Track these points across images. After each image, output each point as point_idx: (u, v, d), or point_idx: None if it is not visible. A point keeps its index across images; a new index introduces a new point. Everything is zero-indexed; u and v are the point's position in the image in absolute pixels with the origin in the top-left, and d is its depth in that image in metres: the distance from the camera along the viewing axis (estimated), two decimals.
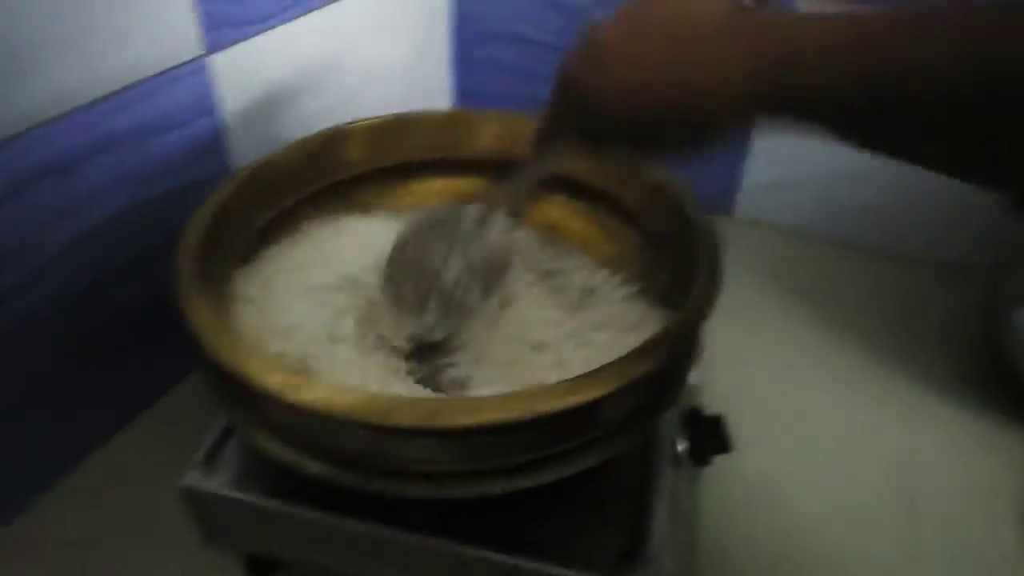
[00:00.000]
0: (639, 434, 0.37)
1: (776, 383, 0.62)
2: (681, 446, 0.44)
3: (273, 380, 0.31)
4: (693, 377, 0.53)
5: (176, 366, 0.59)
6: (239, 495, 0.39)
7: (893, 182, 0.75)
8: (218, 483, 0.39)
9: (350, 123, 0.51)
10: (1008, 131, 0.25)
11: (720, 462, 0.48)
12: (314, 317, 0.42)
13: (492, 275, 0.43)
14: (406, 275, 0.43)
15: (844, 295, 0.72)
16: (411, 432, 0.31)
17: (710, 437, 0.46)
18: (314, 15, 0.63)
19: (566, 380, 0.32)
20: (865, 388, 0.62)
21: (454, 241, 0.42)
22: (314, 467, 0.34)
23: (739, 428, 0.45)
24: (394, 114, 0.52)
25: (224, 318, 0.36)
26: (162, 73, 0.50)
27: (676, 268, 0.45)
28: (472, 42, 0.89)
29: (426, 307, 0.42)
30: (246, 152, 0.59)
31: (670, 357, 0.35)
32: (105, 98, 0.47)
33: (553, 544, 0.37)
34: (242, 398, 0.35)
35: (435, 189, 0.53)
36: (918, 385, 0.62)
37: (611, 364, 0.33)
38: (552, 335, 0.42)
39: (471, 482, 0.34)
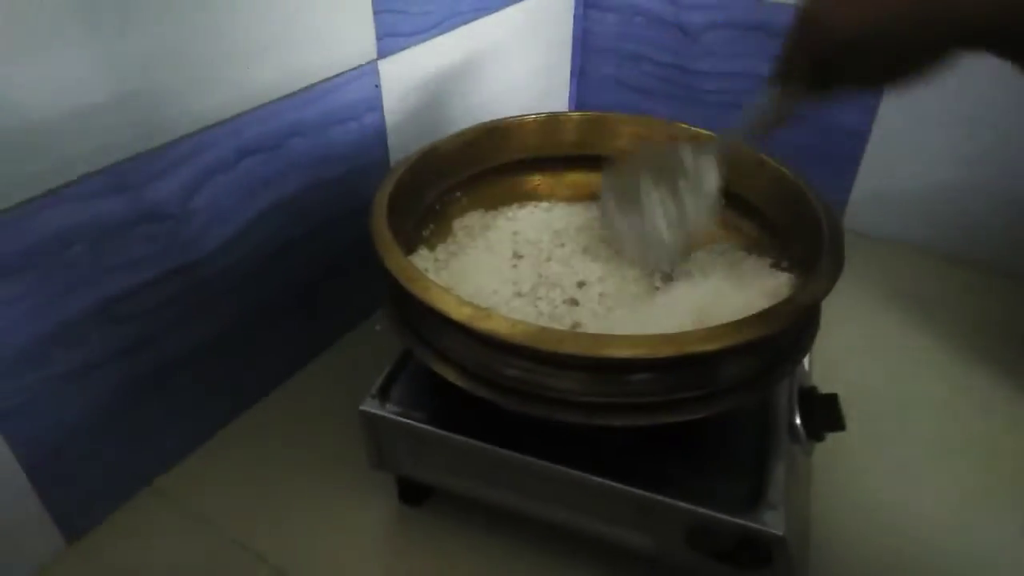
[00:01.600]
0: (762, 390, 0.42)
1: (885, 380, 0.65)
2: (798, 419, 0.48)
3: (462, 312, 0.38)
4: (810, 362, 0.57)
5: (338, 323, 0.69)
6: (408, 420, 0.46)
7: (995, 196, 0.76)
8: (391, 410, 0.46)
9: (506, 118, 0.58)
10: None
11: (833, 440, 0.52)
12: (486, 278, 0.48)
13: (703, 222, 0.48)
14: (628, 211, 0.48)
15: (949, 305, 0.74)
16: (575, 359, 0.37)
17: (824, 413, 0.49)
18: (460, 30, 0.71)
19: (707, 327, 0.37)
20: (968, 392, 0.64)
21: (675, 191, 0.46)
22: (484, 392, 0.40)
23: (850, 415, 0.48)
24: (547, 113, 0.59)
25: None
26: (344, 73, 0.59)
27: (797, 254, 0.50)
28: (591, 58, 0.96)
29: (651, 253, 0.49)
30: (401, 145, 0.67)
31: (795, 322, 0.39)
32: (300, 91, 0.56)
33: (683, 483, 0.42)
34: (431, 330, 0.42)
35: (578, 181, 0.60)
36: (1018, 385, 0.63)
37: (750, 319, 0.38)
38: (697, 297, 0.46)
39: (616, 413, 0.39)
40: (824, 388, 0.50)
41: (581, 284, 0.50)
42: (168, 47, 0.46)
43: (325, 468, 0.56)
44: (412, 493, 0.53)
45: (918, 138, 0.78)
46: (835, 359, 0.62)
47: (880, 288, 0.77)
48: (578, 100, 0.99)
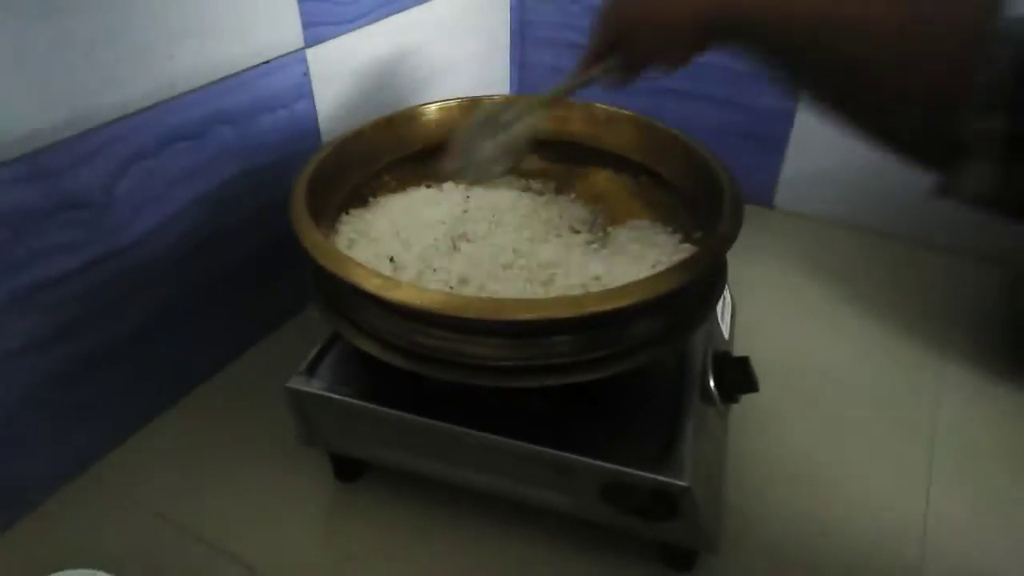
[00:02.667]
0: (666, 348, 0.44)
1: (807, 350, 0.68)
2: (711, 380, 0.51)
3: (372, 283, 0.39)
4: (730, 331, 0.60)
5: (281, 308, 0.70)
6: (334, 395, 0.47)
7: (915, 173, 0.80)
8: (317, 386, 0.48)
9: (426, 103, 0.60)
10: (924, 95, 0.31)
11: (751, 405, 0.54)
12: (400, 251, 0.50)
13: (510, 158, 0.59)
14: (462, 142, 0.58)
15: (875, 278, 0.77)
16: (481, 323, 0.39)
17: (737, 375, 0.52)
18: (392, 18, 0.72)
19: (612, 288, 0.39)
20: (893, 358, 0.67)
21: (496, 128, 0.58)
22: (399, 361, 0.42)
23: (770, 383, 0.51)
24: (465, 97, 0.61)
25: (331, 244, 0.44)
26: (270, 61, 0.60)
27: (706, 222, 0.52)
28: (531, 48, 0.98)
29: (467, 170, 0.58)
30: (334, 132, 0.68)
31: (697, 277, 0.41)
32: (227, 78, 0.57)
33: (597, 442, 0.44)
34: (348, 304, 0.43)
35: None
36: (941, 356, 0.67)
37: (647, 278, 0.40)
38: (601, 267, 0.48)
39: (527, 375, 0.41)
40: (746, 352, 0.52)
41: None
42: (87, 33, 0.46)
43: (262, 451, 0.57)
44: (346, 470, 0.54)
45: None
46: (758, 331, 0.65)
47: (806, 263, 0.80)
48: (519, 89, 1.01)
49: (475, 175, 0.58)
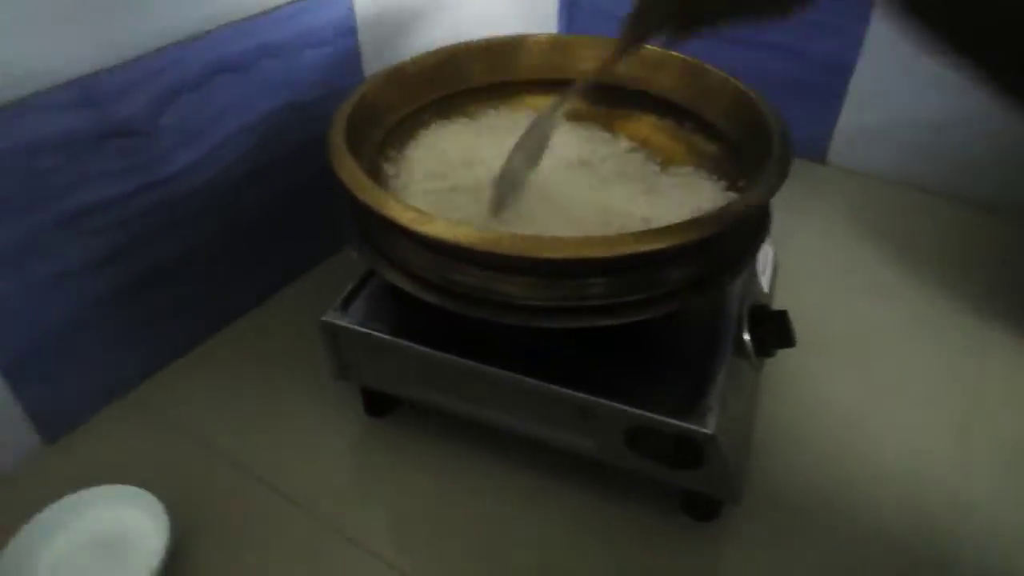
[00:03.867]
0: (701, 296, 0.43)
1: (849, 310, 0.66)
2: (746, 333, 0.50)
3: (406, 216, 0.39)
4: (771, 285, 0.58)
5: (322, 245, 0.71)
6: (366, 330, 0.48)
7: (978, 131, 0.76)
8: (350, 320, 0.48)
9: (471, 41, 0.58)
10: None
11: (783, 358, 0.53)
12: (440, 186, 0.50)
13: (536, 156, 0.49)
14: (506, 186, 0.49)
15: (926, 241, 0.74)
16: (513, 260, 0.38)
17: (773, 329, 0.51)
18: None
19: (648, 230, 0.39)
20: (937, 324, 0.65)
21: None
22: (430, 296, 0.42)
23: (808, 338, 0.50)
24: (509, 35, 0.60)
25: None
26: None
27: (752, 170, 0.50)
28: None
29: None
30: (376, 69, 0.67)
31: (736, 224, 0.40)
32: (273, 9, 0.56)
33: (624, 387, 0.44)
34: (382, 238, 0.43)
35: (543, 105, 0.60)
36: (990, 323, 0.64)
37: (685, 222, 0.39)
38: (647, 211, 0.47)
39: (558, 316, 0.41)
40: (787, 309, 0.51)
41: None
42: None
43: (297, 383, 0.59)
44: (376, 405, 0.55)
45: (904, 70, 0.78)
46: (800, 288, 0.63)
47: (857, 222, 0.77)
48: (567, 31, 0.98)
49: (512, 195, 0.48)
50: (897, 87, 0.79)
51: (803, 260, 0.68)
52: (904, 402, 0.57)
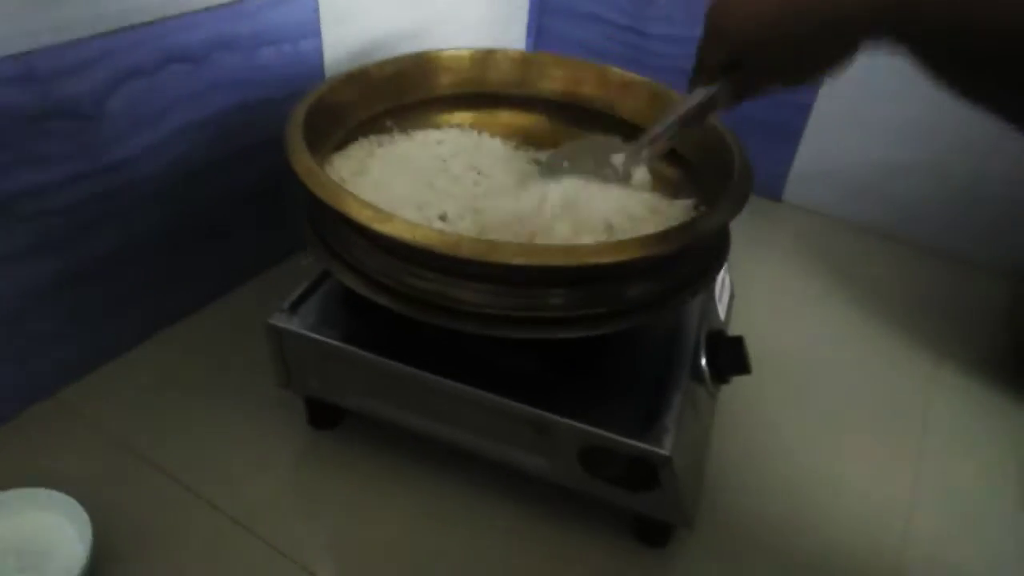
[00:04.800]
0: (659, 314, 0.42)
1: (802, 341, 0.66)
2: (703, 357, 0.49)
3: (363, 214, 0.38)
4: (727, 314, 0.58)
5: (270, 249, 0.68)
6: (316, 335, 0.45)
7: (929, 173, 0.79)
8: (299, 324, 0.46)
9: (439, 50, 0.58)
10: None
11: (737, 385, 0.53)
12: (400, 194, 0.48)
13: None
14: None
15: (877, 279, 0.76)
16: (473, 264, 0.37)
17: (730, 355, 0.50)
18: None
19: (610, 241, 0.38)
20: (887, 357, 0.66)
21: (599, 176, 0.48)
22: (385, 300, 0.40)
23: (761, 367, 0.49)
24: (477, 48, 0.59)
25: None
26: None
27: (714, 196, 0.50)
28: (550, 16, 0.95)
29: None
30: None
31: (698, 241, 0.40)
32: (233, 2, 0.55)
33: (579, 404, 0.43)
34: (337, 237, 0.42)
35: (507, 121, 0.59)
36: (936, 359, 0.66)
37: (647, 236, 0.39)
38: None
39: (516, 326, 0.40)
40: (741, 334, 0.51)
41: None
42: None
43: (236, 392, 0.56)
44: (321, 417, 0.53)
45: (860, 113, 0.80)
46: (755, 318, 0.63)
47: (810, 258, 0.78)
48: None
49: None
50: (851, 129, 0.81)
51: (758, 291, 0.68)
52: (853, 431, 0.58)
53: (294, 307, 0.48)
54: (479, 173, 0.51)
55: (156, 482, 0.49)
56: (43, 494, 0.44)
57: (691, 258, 0.44)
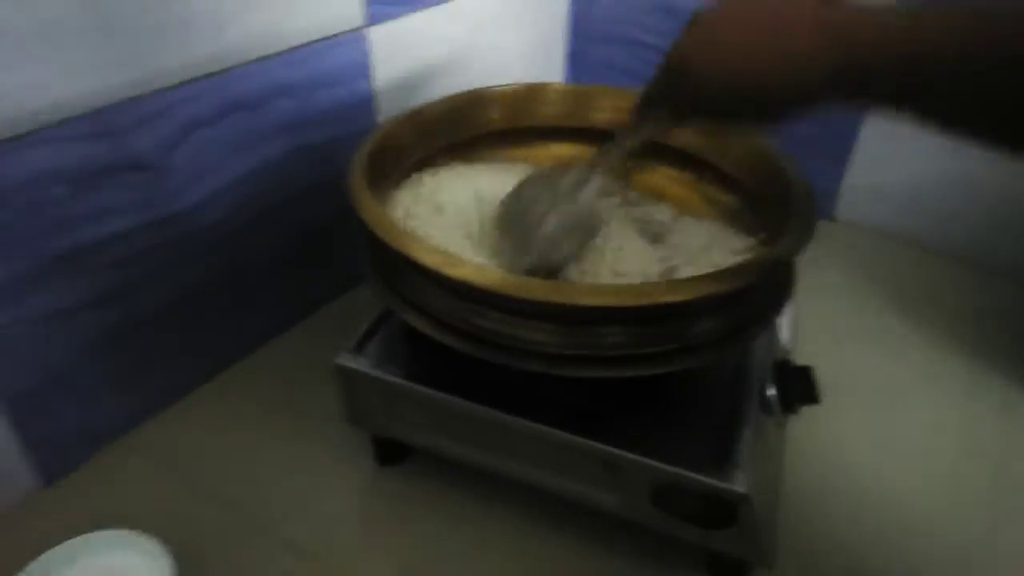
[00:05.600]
0: (730, 349, 0.42)
1: (865, 365, 0.65)
2: (771, 388, 0.48)
3: (432, 259, 0.38)
4: (792, 339, 0.57)
5: (328, 287, 0.70)
6: (383, 374, 0.46)
7: (982, 191, 0.77)
8: (366, 364, 0.47)
9: (491, 87, 0.58)
10: None
11: (810, 416, 0.52)
12: (453, 234, 0.49)
13: (583, 233, 0.49)
14: (512, 222, 0.49)
15: (936, 297, 0.74)
16: (542, 306, 0.37)
17: (798, 385, 0.49)
18: (454, 4, 0.71)
19: (679, 279, 0.37)
20: (957, 379, 0.64)
21: (555, 198, 0.48)
22: (454, 342, 0.41)
23: (828, 394, 0.48)
24: (525, 83, 0.59)
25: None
26: (333, 36, 0.59)
27: (773, 224, 0.50)
28: (586, 41, 0.96)
29: (529, 252, 0.47)
30: (389, 113, 0.67)
31: (767, 275, 0.39)
32: (291, 50, 0.56)
33: (651, 441, 0.42)
34: (404, 280, 0.42)
35: (557, 152, 0.60)
36: (1006, 382, 0.63)
37: (716, 272, 0.38)
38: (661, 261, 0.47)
39: (585, 365, 0.40)
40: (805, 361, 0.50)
41: None
42: None
43: (304, 429, 0.56)
44: (387, 453, 0.53)
45: (908, 131, 0.78)
46: (817, 340, 0.62)
47: (867, 277, 0.77)
48: (572, 83, 0.99)
49: (540, 259, 0.46)
50: (902, 145, 0.80)
51: (819, 315, 0.67)
52: (927, 461, 0.56)
53: (360, 346, 0.48)
54: None
55: (227, 519, 0.50)
56: (126, 535, 0.45)
57: (760, 290, 0.43)
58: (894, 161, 0.81)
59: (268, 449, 0.55)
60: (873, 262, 0.80)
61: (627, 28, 0.92)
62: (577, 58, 0.98)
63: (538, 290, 0.37)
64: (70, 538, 0.44)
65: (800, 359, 0.54)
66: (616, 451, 0.42)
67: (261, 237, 0.60)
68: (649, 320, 0.39)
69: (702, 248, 0.49)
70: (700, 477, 0.41)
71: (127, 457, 0.54)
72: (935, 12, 0.31)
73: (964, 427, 0.59)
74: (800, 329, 0.62)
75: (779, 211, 0.48)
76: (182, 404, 0.58)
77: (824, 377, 0.48)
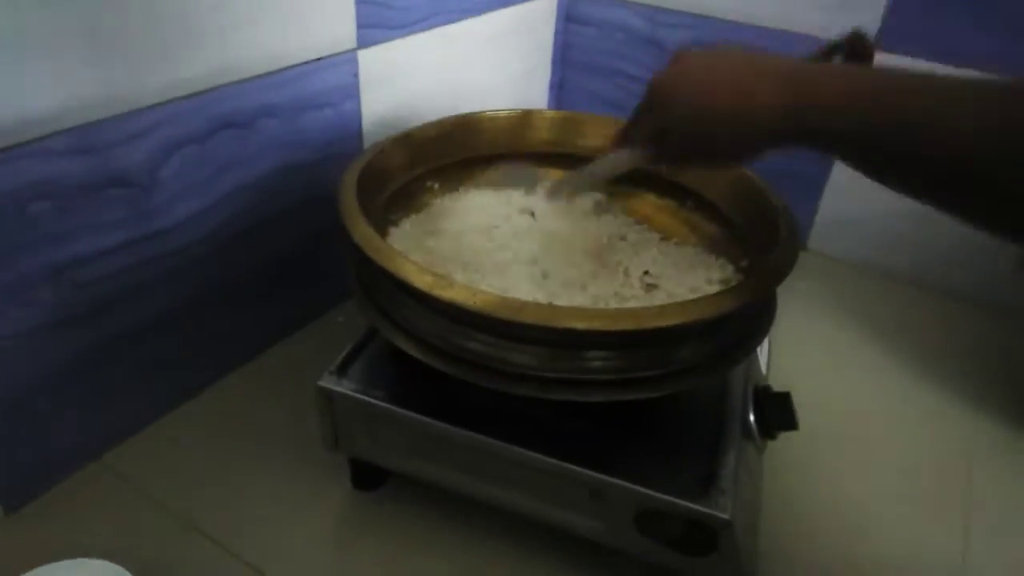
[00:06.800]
0: (717, 373, 0.42)
1: (837, 393, 0.66)
2: (751, 414, 0.49)
3: (423, 280, 0.38)
4: (767, 366, 0.58)
5: (309, 307, 0.69)
6: (366, 397, 0.45)
7: (952, 224, 0.79)
8: (349, 387, 0.46)
9: (481, 111, 0.59)
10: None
11: (785, 442, 0.52)
12: (443, 255, 0.49)
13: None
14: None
15: (907, 327, 0.76)
16: (534, 330, 0.37)
17: (777, 411, 0.50)
18: (441, 29, 0.72)
19: (670, 303, 0.38)
20: (924, 408, 0.65)
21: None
22: (442, 365, 0.41)
23: (803, 420, 0.49)
24: (515, 108, 0.60)
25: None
26: (324, 58, 0.60)
27: (754, 251, 0.51)
28: (571, 70, 0.98)
29: None
30: (376, 136, 0.67)
31: (756, 300, 0.40)
32: (281, 70, 0.56)
33: (634, 467, 0.42)
34: (392, 301, 0.42)
35: (550, 178, 0.60)
36: (974, 408, 0.65)
37: (707, 296, 0.39)
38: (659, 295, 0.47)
39: (573, 388, 0.40)
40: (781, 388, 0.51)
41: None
42: (147, 11, 0.46)
43: (279, 453, 0.55)
44: (366, 478, 0.53)
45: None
46: (791, 370, 0.63)
47: (839, 307, 0.78)
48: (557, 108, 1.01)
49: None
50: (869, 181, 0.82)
51: (792, 342, 0.68)
52: (900, 485, 0.57)
53: (342, 368, 0.48)
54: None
55: (199, 546, 0.48)
56: (90, 564, 0.43)
57: (747, 316, 0.44)
58: (865, 193, 0.83)
59: (239, 473, 0.54)
60: (845, 291, 0.81)
61: (610, 59, 0.94)
62: (561, 87, 0.99)
63: (531, 313, 0.37)
64: (34, 567, 0.42)
65: (775, 385, 0.55)
66: (603, 477, 0.42)
67: (246, 255, 0.60)
68: (643, 343, 0.40)
69: (683, 273, 0.50)
70: (683, 502, 0.41)
71: (96, 482, 0.52)
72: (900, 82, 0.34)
73: (932, 448, 0.61)
74: (774, 356, 0.63)
75: (761, 238, 0.49)
76: (152, 428, 0.57)
77: (798, 402, 0.49)
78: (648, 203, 0.60)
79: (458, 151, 0.59)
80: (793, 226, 0.46)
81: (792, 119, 0.36)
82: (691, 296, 0.46)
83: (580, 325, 0.36)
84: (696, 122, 0.39)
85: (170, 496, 0.52)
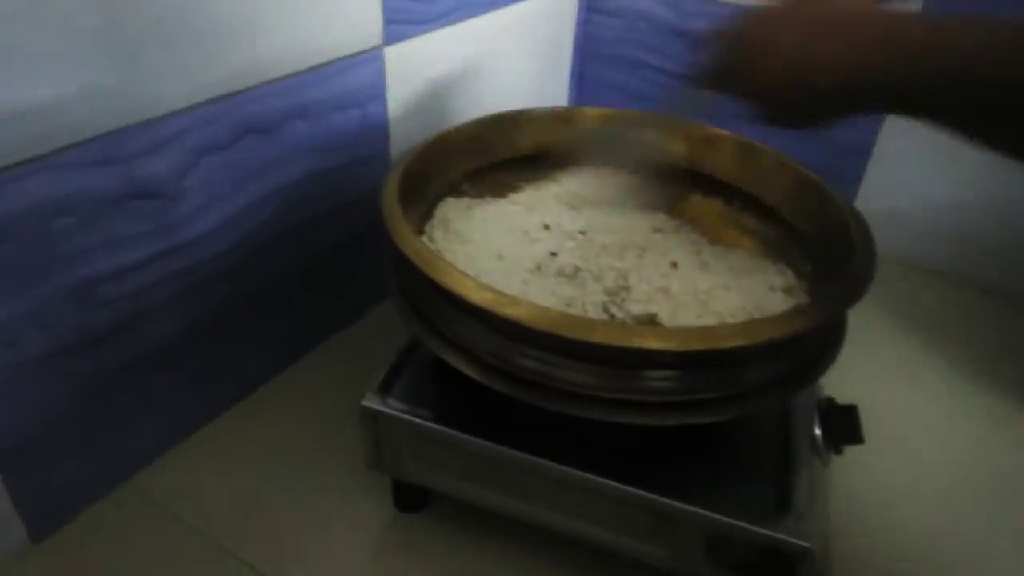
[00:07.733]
0: (790, 393, 0.40)
1: (895, 399, 0.63)
2: (818, 429, 0.46)
3: (484, 297, 0.35)
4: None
5: (338, 315, 0.67)
6: (412, 418, 0.43)
7: (992, 215, 0.76)
8: (394, 406, 0.43)
9: (518, 110, 0.56)
10: None
11: (850, 455, 0.50)
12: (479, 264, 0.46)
13: None
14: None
15: (946, 324, 0.73)
16: (603, 350, 0.34)
17: (843, 425, 0.47)
18: (467, 22, 0.69)
19: (739, 322, 0.35)
20: (974, 409, 0.63)
21: None
22: (500, 385, 0.38)
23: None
24: (555, 107, 0.57)
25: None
26: (349, 56, 0.57)
27: (822, 259, 0.48)
28: (593, 63, 0.94)
29: None
30: (402, 136, 0.64)
31: (830, 319, 0.37)
32: (304, 71, 0.53)
33: (703, 490, 0.40)
34: (443, 317, 0.39)
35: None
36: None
37: (778, 315, 0.36)
38: (717, 303, 0.45)
39: (641, 411, 0.37)
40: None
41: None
42: (167, 17, 0.43)
43: (314, 471, 0.53)
44: (408, 499, 0.50)
45: (919, 156, 0.78)
46: (849, 379, 0.60)
47: (885, 307, 0.75)
48: (576, 103, 0.97)
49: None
50: (910, 171, 0.79)
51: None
52: (963, 494, 0.55)
53: (385, 386, 0.45)
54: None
55: (235, 572, 0.46)
56: None
57: (818, 334, 0.41)
58: (902, 188, 0.81)
59: (272, 494, 0.51)
60: (886, 291, 0.78)
61: (634, 50, 0.90)
62: (583, 79, 0.96)
63: (599, 332, 0.34)
64: None
65: (827, 393, 0.52)
66: (669, 502, 0.39)
67: (272, 265, 0.57)
68: (711, 363, 0.37)
69: (740, 278, 0.47)
70: (758, 529, 0.38)
71: (124, 506, 0.50)
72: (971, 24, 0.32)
73: (997, 456, 0.58)
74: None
75: (828, 244, 0.47)
76: (187, 445, 0.55)
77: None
78: (694, 203, 0.57)
79: (495, 152, 0.56)
80: (867, 232, 0.43)
81: (881, 72, 0.34)
82: (753, 306, 0.44)
83: (655, 345, 0.34)
84: (775, 80, 0.37)
85: (203, 518, 0.49)
